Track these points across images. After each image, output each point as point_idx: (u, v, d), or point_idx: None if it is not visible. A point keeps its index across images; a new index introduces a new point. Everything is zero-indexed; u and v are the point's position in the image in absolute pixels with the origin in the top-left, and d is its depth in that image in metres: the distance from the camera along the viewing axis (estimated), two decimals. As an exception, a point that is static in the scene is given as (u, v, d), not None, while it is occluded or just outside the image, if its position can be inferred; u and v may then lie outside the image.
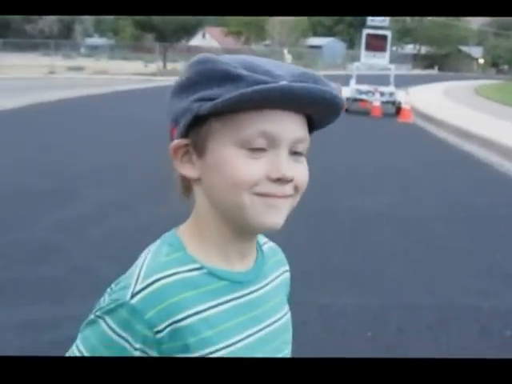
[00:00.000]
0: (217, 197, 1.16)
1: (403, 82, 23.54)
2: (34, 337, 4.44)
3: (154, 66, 50.97)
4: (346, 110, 22.53)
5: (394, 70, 23.97)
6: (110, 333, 1.13)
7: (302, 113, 1.15)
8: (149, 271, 1.14)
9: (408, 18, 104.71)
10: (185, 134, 1.16)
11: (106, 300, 1.15)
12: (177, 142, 1.17)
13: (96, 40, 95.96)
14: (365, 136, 16.95)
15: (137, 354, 1.12)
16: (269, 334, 1.27)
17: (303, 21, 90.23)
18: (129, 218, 7.45)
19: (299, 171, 1.15)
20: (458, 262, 6.45)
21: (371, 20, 24.06)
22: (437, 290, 5.62)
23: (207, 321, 1.15)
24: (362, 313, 5.03)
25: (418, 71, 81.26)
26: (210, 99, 1.10)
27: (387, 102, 22.69)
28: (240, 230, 1.19)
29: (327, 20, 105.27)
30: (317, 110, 1.15)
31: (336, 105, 1.15)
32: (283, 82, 1.08)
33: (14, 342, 4.36)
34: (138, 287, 1.11)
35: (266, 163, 1.12)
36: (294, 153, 1.15)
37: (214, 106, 1.10)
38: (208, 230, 1.20)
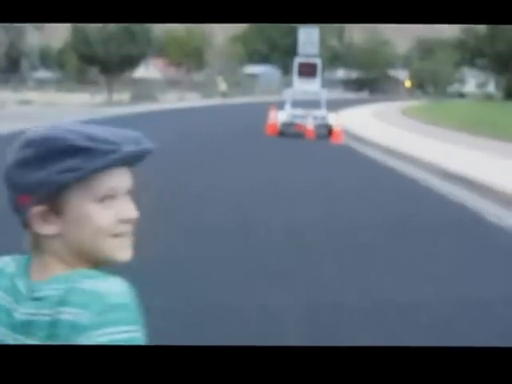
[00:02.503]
0: (81, 246, 1.33)
1: (335, 105, 24.13)
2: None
3: (100, 98, 50.81)
4: (282, 134, 23.14)
5: (325, 95, 24.49)
6: None
7: (133, 163, 1.40)
8: None
9: (337, 45, 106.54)
10: (42, 201, 1.30)
11: None
12: (38, 208, 1.30)
13: (42, 73, 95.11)
14: (300, 157, 17.42)
15: None
16: None
17: (240, 50, 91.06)
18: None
19: (134, 209, 1.38)
20: (382, 264, 6.91)
21: (303, 48, 24.69)
22: (362, 288, 6.07)
23: None
24: (296, 311, 5.43)
25: (349, 95, 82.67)
26: (70, 170, 1.27)
27: (320, 125, 23.04)
28: (92, 266, 1.35)
29: (263, 48, 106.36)
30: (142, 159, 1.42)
31: (150, 153, 1.42)
32: (128, 149, 1.32)
33: None
34: None
35: (117, 210, 1.33)
36: (128, 194, 1.39)
37: (79, 176, 1.28)
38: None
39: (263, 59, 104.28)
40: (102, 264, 1.36)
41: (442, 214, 9.77)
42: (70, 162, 1.28)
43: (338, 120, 22.76)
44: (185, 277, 6.27)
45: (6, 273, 1.39)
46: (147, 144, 1.38)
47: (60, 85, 71.02)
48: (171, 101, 55.47)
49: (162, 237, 7.53)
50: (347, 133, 23.39)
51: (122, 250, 1.36)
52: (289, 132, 23.12)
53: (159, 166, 14.13)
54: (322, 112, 23.46)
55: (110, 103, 46.89)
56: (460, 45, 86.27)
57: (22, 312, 1.31)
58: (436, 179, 13.19)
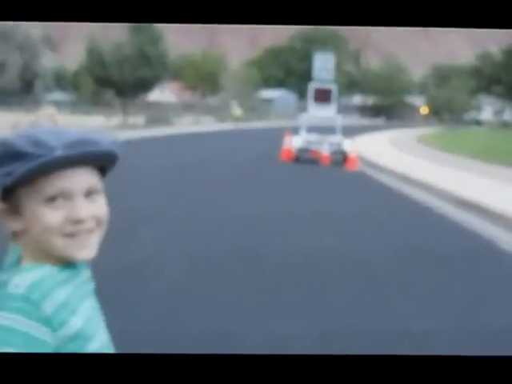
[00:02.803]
0: (38, 242, 1.43)
1: (351, 131, 24.20)
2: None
3: (114, 120, 51.19)
4: (297, 159, 23.18)
5: (340, 121, 24.56)
6: None
7: (90, 164, 1.45)
8: None
9: (353, 71, 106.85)
10: (2, 200, 1.46)
11: None
12: (2, 205, 1.45)
13: (57, 95, 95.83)
14: (315, 183, 17.53)
15: None
16: None
17: (255, 75, 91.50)
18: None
19: (97, 208, 1.45)
20: (395, 292, 6.99)
21: (318, 74, 24.82)
22: (374, 316, 6.15)
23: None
24: (308, 338, 5.51)
25: (365, 121, 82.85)
26: (8, 174, 1.39)
27: (335, 152, 23.01)
28: (56, 262, 1.45)
29: (278, 73, 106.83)
30: (96, 160, 1.46)
31: (107, 154, 1.47)
32: (59, 153, 1.38)
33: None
34: None
35: (66, 210, 1.41)
36: (90, 194, 1.45)
37: (15, 179, 1.38)
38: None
39: (279, 84, 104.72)
40: (64, 260, 1.45)
41: (455, 241, 9.83)
42: (11, 166, 1.39)
43: (354, 146, 22.77)
44: (197, 302, 6.36)
45: None
46: (92, 147, 1.43)
47: (75, 107, 71.50)
48: (186, 124, 55.77)
49: (174, 263, 7.65)
50: (362, 159, 23.41)
51: (77, 249, 1.44)
52: (304, 158, 23.15)
53: (174, 192, 14.30)
54: (337, 138, 23.47)
55: (124, 126, 47.19)
56: (476, 72, 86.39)
57: None
58: (449, 206, 13.25)
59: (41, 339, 1.37)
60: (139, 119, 54.26)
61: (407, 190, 16.09)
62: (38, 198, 1.42)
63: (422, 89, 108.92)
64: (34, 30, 79.24)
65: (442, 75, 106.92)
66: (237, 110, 57.58)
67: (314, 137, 23.58)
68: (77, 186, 1.43)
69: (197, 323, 5.70)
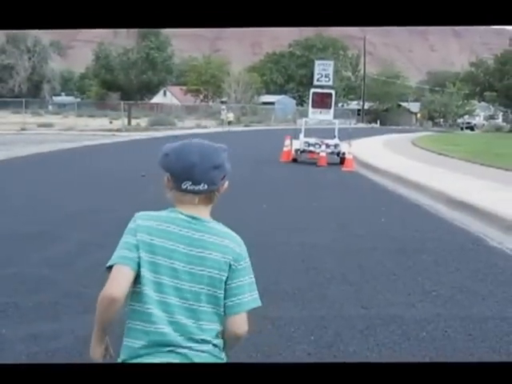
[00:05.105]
0: None
1: (348, 134, 24.44)
2: (40, 345, 5.07)
3: (118, 123, 51.48)
4: (296, 161, 23.60)
5: (338, 125, 24.89)
6: None
7: None
8: None
9: (352, 77, 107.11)
10: None
11: None
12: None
13: (63, 98, 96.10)
14: (313, 183, 17.79)
15: None
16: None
17: (257, 79, 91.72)
18: (106, 252, 8.03)
19: None
20: (387, 283, 7.23)
21: (317, 80, 25.16)
22: (367, 304, 6.39)
23: None
24: (306, 322, 5.75)
25: (362, 125, 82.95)
26: None
27: (332, 153, 23.53)
28: None
29: (279, 79, 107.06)
30: None
31: None
32: None
33: (23, 351, 4.93)
34: None
35: None
36: None
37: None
38: None
39: (279, 89, 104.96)
40: None
41: (446, 237, 10.06)
42: None
43: (350, 149, 23.14)
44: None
45: None
46: None
47: (80, 110, 71.74)
48: (188, 127, 56.02)
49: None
50: (358, 161, 23.71)
51: None
52: (302, 159, 23.66)
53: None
54: (334, 141, 23.93)
55: (128, 128, 47.42)
56: (470, 78, 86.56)
57: None
58: (441, 205, 13.48)
59: None
60: (143, 121, 54.50)
61: (400, 188, 16.33)
62: None
63: (417, 94, 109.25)
64: (43, 35, 79.46)
65: (437, 81, 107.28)
66: (228, 115, 57.43)
67: (312, 139, 23.95)
68: None
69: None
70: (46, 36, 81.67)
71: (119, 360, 2.37)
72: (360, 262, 8.14)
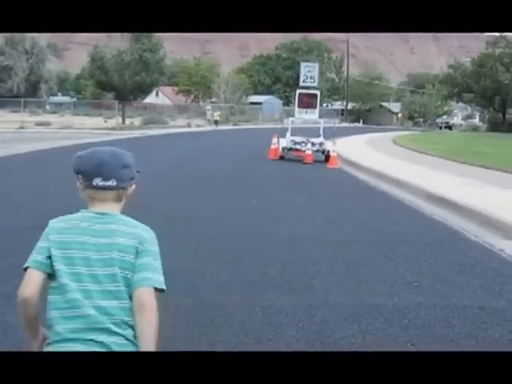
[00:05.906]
0: None
1: (332, 133, 24.55)
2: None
3: (113, 122, 51.33)
4: (283, 158, 23.68)
5: (322, 124, 24.99)
6: None
7: None
8: None
9: (336, 79, 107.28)
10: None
11: None
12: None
13: (60, 98, 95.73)
14: (299, 179, 17.84)
15: None
16: None
17: (245, 80, 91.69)
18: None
19: None
20: (370, 273, 7.28)
21: (303, 81, 25.24)
22: (352, 293, 6.45)
23: None
24: (294, 311, 5.80)
25: (345, 124, 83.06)
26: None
27: (317, 151, 23.68)
28: None
29: (266, 80, 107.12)
30: None
31: None
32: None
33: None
34: None
35: None
36: None
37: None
38: None
39: (266, 89, 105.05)
40: None
41: (426, 231, 10.14)
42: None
43: (335, 147, 23.25)
44: (193, 281, 6.64)
45: None
46: None
47: (76, 109, 71.48)
48: (179, 126, 55.95)
49: (174, 246, 7.91)
50: (342, 158, 23.81)
51: None
52: (289, 156, 23.76)
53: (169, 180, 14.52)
54: (319, 139, 24.09)
55: (122, 127, 47.30)
56: (448, 80, 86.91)
57: None
58: (421, 201, 13.57)
59: None
60: (136, 120, 54.44)
61: (382, 185, 16.41)
62: None
63: (398, 95, 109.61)
64: (40, 37, 79.07)
65: (417, 83, 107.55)
66: (215, 114, 57.21)
67: (298, 138, 24.04)
68: None
69: (192, 294, 5.98)
70: (43, 38, 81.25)
71: (50, 348, 2.42)
72: (345, 253, 8.19)
